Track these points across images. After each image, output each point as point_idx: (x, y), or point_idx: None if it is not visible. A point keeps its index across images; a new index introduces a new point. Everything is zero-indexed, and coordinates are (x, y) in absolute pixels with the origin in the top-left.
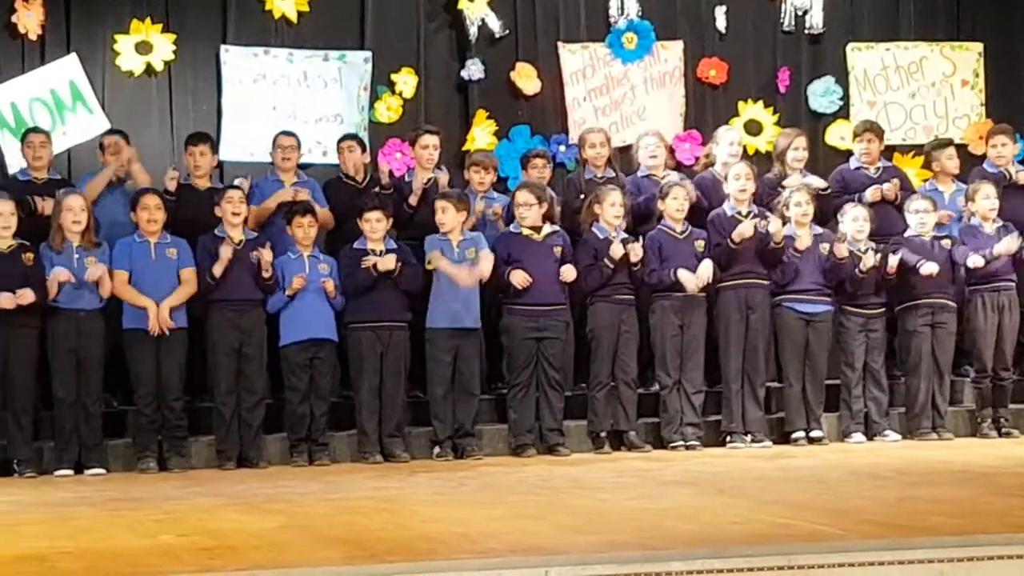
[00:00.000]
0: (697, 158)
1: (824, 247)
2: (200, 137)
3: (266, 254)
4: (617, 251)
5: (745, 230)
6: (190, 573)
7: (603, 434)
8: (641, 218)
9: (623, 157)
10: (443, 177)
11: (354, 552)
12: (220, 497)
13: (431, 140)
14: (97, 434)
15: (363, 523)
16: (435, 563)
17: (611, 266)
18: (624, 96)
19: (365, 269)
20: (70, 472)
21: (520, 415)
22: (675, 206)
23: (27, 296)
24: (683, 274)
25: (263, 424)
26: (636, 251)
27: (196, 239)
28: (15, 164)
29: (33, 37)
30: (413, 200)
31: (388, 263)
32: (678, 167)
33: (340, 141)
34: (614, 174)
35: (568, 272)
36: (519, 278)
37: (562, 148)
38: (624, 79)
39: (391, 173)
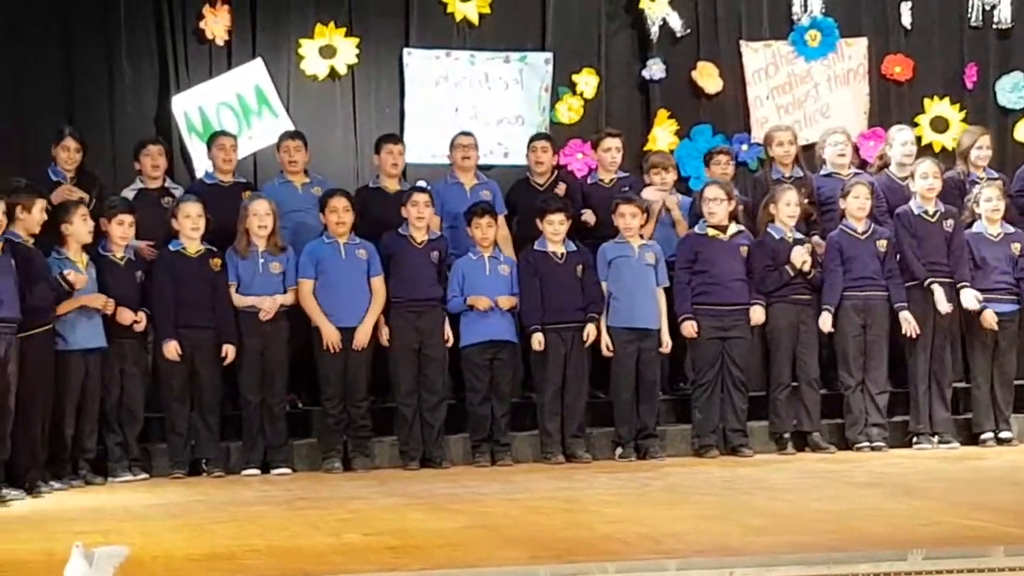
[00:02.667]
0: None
1: (1016, 247)
2: (393, 137)
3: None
4: (797, 259)
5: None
6: (375, 572)
7: (786, 435)
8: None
9: (805, 155)
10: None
11: (537, 552)
12: (404, 497)
13: (613, 143)
14: (283, 434)
15: (546, 523)
16: (618, 563)
17: (791, 273)
18: (807, 94)
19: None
20: (257, 472)
21: (704, 416)
22: (856, 205)
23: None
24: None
25: (445, 424)
26: (802, 257)
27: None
28: (201, 168)
29: (220, 42)
30: (589, 218)
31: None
32: (862, 165)
33: (533, 140)
34: (801, 173)
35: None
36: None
37: (744, 147)
38: (807, 77)
39: (571, 176)
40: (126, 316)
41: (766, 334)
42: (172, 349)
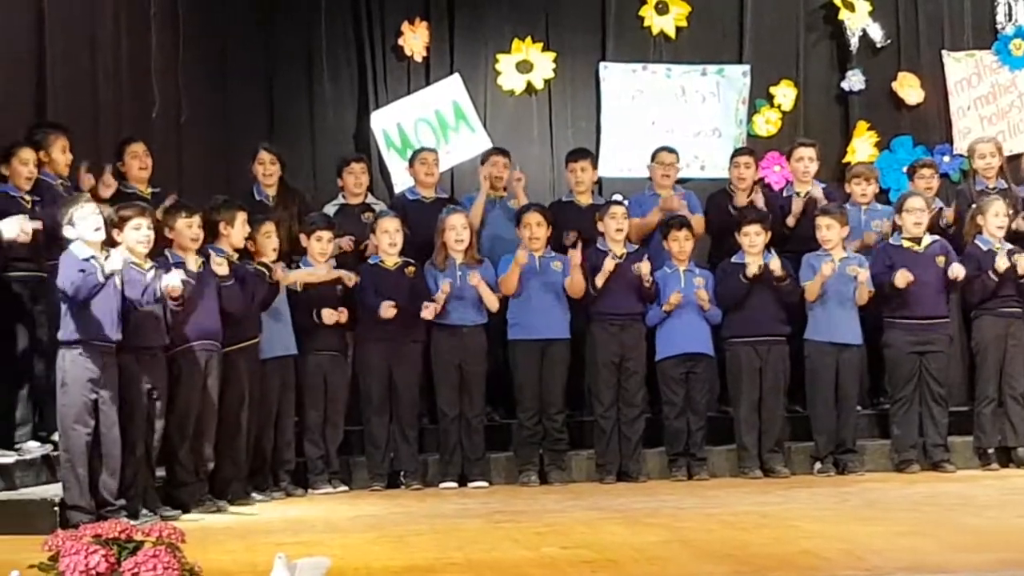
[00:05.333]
0: None
1: None
2: (581, 153)
3: (644, 267)
4: (1002, 264)
5: None
6: None
7: (991, 450)
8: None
9: (1010, 167)
10: (817, 191)
11: (736, 567)
12: (601, 510)
13: (806, 152)
14: (480, 448)
15: (744, 538)
16: None
17: (995, 279)
18: (1011, 104)
19: (739, 281)
20: (454, 484)
21: (903, 430)
22: None
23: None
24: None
25: (643, 438)
26: (1004, 261)
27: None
28: (400, 183)
29: (418, 59)
30: (791, 221)
31: (753, 267)
32: None
33: (735, 155)
34: (1005, 185)
35: (956, 270)
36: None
37: (946, 158)
38: (1012, 87)
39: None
40: (330, 316)
41: (971, 347)
42: (387, 306)
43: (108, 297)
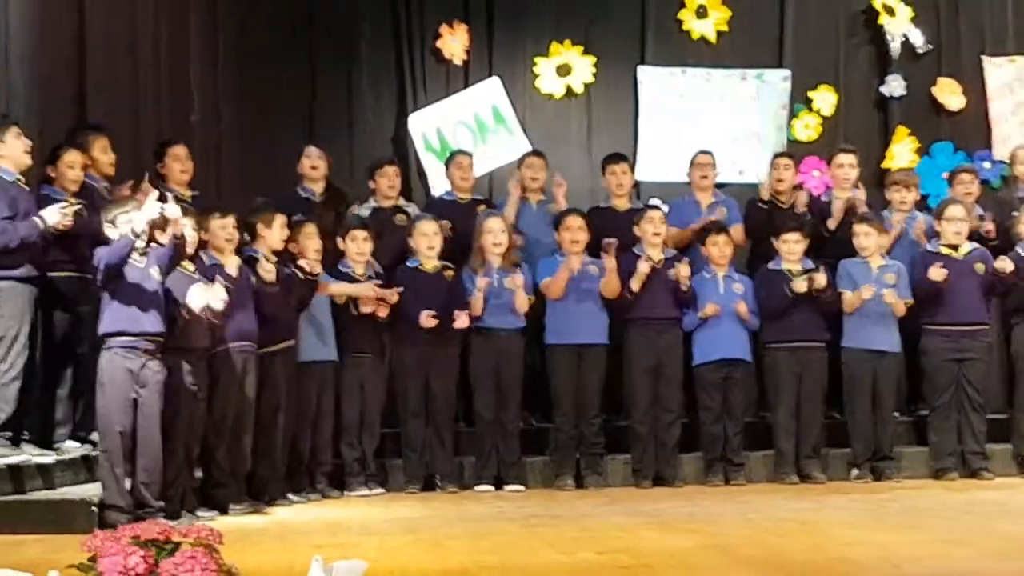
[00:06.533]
0: None
1: None
2: (617, 157)
3: (683, 269)
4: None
5: None
6: None
7: None
8: None
9: None
10: (860, 195)
11: (773, 574)
12: (637, 515)
13: (847, 159)
14: (516, 451)
15: (781, 544)
16: None
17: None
18: None
19: (784, 295)
20: (490, 488)
21: (941, 438)
22: None
23: (463, 320)
24: None
25: (679, 443)
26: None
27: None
28: (438, 186)
29: (458, 62)
30: (832, 224)
31: (801, 286)
32: None
33: (775, 158)
34: None
35: (1005, 263)
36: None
37: (987, 165)
38: None
39: (811, 197)
40: (369, 292)
41: (1010, 355)
42: (426, 315)
43: (149, 290)
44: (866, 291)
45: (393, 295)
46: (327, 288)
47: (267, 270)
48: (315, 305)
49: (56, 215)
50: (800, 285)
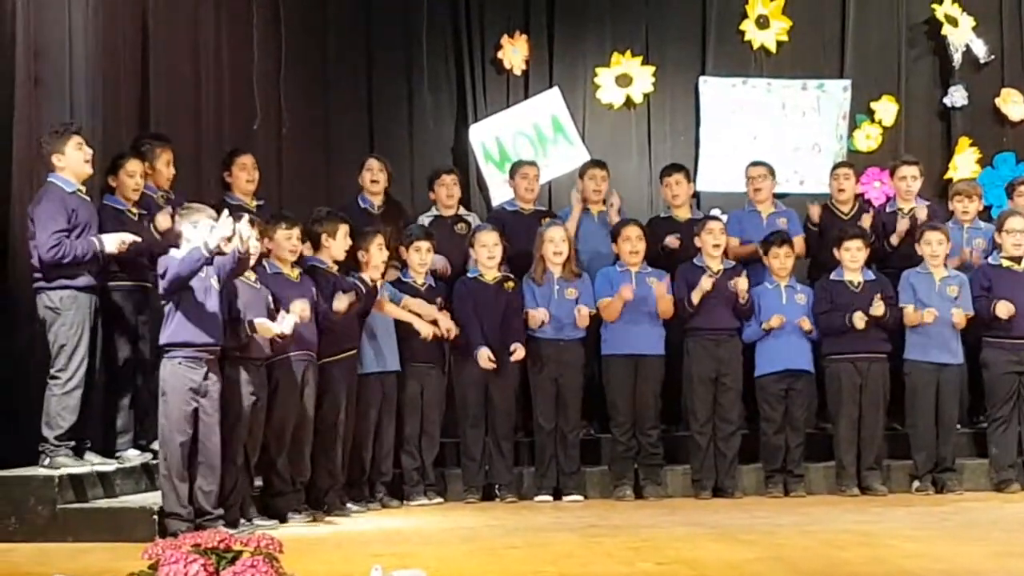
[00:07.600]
0: None
1: None
2: (674, 168)
3: (741, 283)
4: None
5: None
6: None
7: None
8: None
9: None
10: (921, 211)
11: None
12: (696, 526)
13: (910, 171)
14: (575, 462)
15: (841, 556)
16: None
17: None
18: None
19: (843, 323)
20: (549, 498)
21: (1001, 450)
22: None
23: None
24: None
25: (739, 454)
26: None
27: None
28: (498, 196)
29: (518, 72)
30: (895, 240)
31: (860, 323)
32: None
33: (836, 168)
34: None
35: None
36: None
37: None
38: None
39: (875, 217)
40: (427, 330)
41: None
42: (484, 356)
43: (211, 301)
44: (928, 315)
45: (451, 332)
46: (383, 306)
47: (341, 301)
48: (377, 315)
49: (114, 245)
50: (860, 322)
